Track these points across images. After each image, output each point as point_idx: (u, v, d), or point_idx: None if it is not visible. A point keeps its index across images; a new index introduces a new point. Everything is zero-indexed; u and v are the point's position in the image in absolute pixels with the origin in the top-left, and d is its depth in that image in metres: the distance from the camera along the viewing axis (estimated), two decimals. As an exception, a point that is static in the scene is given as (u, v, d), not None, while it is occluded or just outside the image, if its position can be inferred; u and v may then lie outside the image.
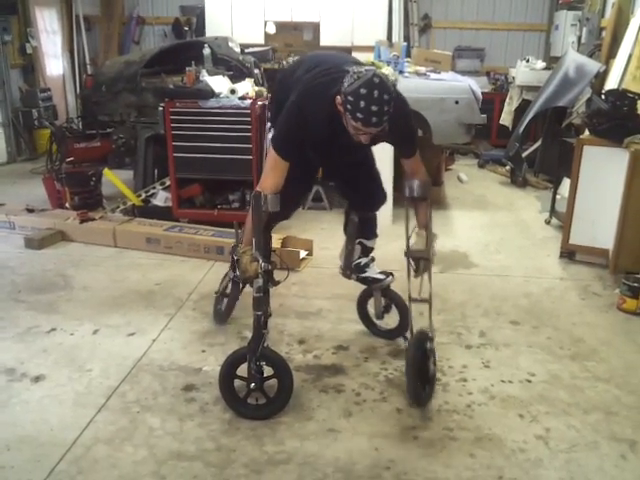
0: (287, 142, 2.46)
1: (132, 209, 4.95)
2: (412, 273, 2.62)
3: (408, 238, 2.61)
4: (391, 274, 3.01)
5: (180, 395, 2.64)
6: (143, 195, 5.03)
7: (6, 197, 5.59)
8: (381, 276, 3.02)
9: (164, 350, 3.02)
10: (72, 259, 4.25)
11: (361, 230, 3.02)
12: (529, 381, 2.79)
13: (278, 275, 2.60)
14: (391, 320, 3.13)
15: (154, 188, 5.08)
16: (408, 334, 2.68)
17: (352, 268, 3.05)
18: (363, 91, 2.16)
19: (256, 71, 6.10)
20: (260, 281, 2.43)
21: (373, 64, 6.00)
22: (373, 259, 3.08)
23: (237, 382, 2.51)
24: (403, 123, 2.47)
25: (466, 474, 2.19)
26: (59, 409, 2.54)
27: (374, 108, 2.17)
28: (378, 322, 3.15)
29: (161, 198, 5.02)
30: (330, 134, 2.44)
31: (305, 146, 2.50)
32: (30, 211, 4.90)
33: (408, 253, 2.61)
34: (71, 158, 5.60)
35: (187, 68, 5.03)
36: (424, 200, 2.61)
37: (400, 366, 2.86)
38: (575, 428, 2.46)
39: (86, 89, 7.74)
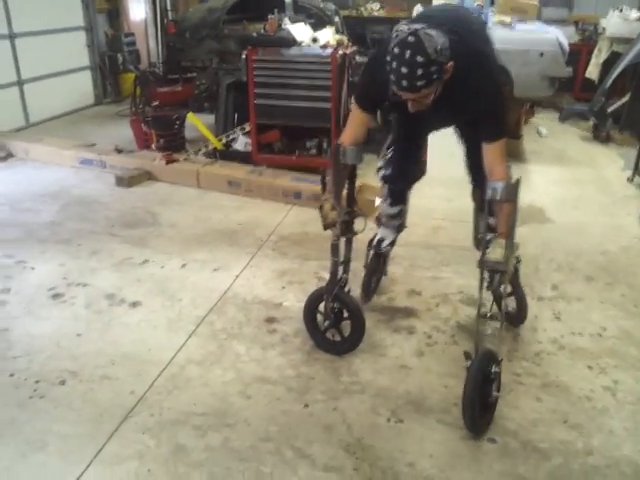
0: (360, 93, 2.47)
1: (214, 152, 5.15)
2: (484, 285, 2.35)
3: (485, 246, 2.33)
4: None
5: (263, 326, 2.85)
6: (224, 139, 5.22)
7: (95, 137, 5.92)
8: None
9: (247, 285, 3.23)
10: (159, 198, 4.52)
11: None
12: (600, 335, 2.82)
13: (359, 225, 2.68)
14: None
15: (234, 133, 5.26)
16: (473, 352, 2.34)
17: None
18: (396, 50, 1.99)
19: (336, 19, 6.10)
20: (337, 229, 2.52)
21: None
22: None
23: (320, 317, 2.68)
24: (482, 95, 2.18)
25: (532, 415, 2.29)
26: (155, 332, 2.81)
27: (404, 70, 1.98)
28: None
29: (241, 143, 5.20)
30: (397, 98, 2.20)
31: (385, 105, 2.44)
32: (119, 151, 5.19)
33: (482, 263, 2.30)
34: (156, 102, 5.82)
35: (269, 16, 5.10)
36: (508, 203, 2.27)
37: (471, 313, 2.95)
38: (644, 383, 2.50)
39: (168, 35, 7.94)
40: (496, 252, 2.29)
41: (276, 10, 5.19)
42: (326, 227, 2.54)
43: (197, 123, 5.19)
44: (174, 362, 2.59)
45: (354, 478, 2.02)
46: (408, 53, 1.96)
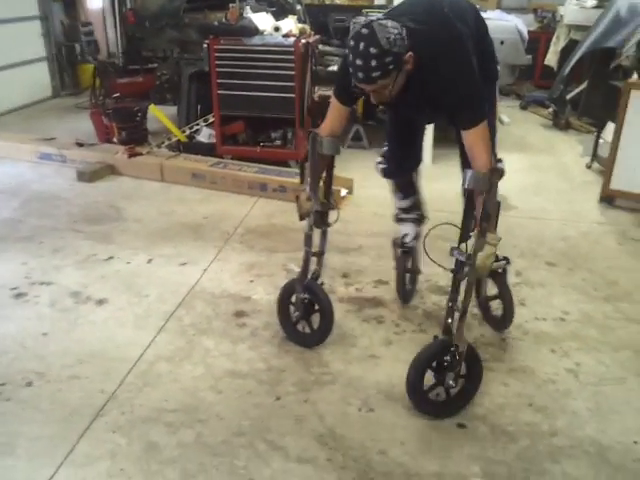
0: (337, 85, 2.47)
1: (177, 145, 5.08)
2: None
3: (463, 237, 2.20)
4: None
5: (232, 320, 2.84)
6: (187, 131, 5.15)
7: (54, 131, 5.79)
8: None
9: (215, 279, 3.21)
10: (122, 192, 4.44)
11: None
12: (562, 319, 2.91)
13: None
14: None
15: (198, 125, 5.19)
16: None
17: None
18: (352, 43, 2.03)
19: (298, 7, 6.04)
20: (311, 219, 2.55)
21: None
22: None
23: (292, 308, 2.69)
24: (455, 81, 2.14)
25: (499, 400, 2.36)
26: (122, 329, 2.78)
27: (359, 62, 2.01)
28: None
29: (205, 134, 5.14)
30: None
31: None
32: (80, 145, 5.08)
33: (452, 250, 2.21)
34: (117, 93, 5.70)
35: (230, 4, 5.03)
36: (480, 194, 2.15)
37: (437, 300, 3.01)
38: (604, 364, 2.59)
39: (127, 24, 7.77)
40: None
41: (237, 0, 5.13)
42: (301, 217, 2.57)
43: (159, 115, 5.11)
44: (143, 359, 2.56)
45: (327, 468, 2.04)
46: (362, 45, 1.99)
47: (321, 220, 2.60)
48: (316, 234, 2.61)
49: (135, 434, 2.17)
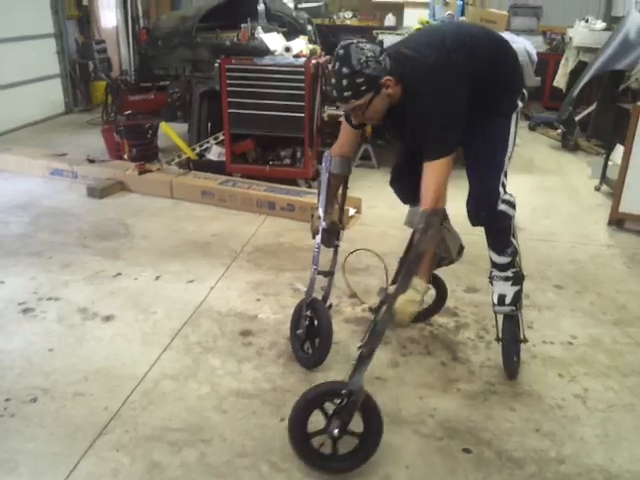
0: None
1: (187, 162, 5.12)
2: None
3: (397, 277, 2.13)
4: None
5: (238, 339, 2.84)
6: (197, 149, 5.20)
7: (66, 147, 5.85)
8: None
9: (221, 297, 3.22)
10: (132, 209, 4.48)
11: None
12: (570, 343, 2.88)
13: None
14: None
15: (208, 142, 5.24)
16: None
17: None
18: (331, 64, 2.17)
19: (309, 27, 6.12)
20: (317, 238, 2.57)
21: (427, 23, 5.96)
22: (509, 278, 2.50)
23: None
24: (425, 108, 2.14)
25: (505, 425, 2.33)
26: (129, 346, 2.78)
27: (334, 81, 2.11)
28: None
29: (215, 152, 5.19)
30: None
31: None
32: (91, 161, 5.13)
33: (380, 290, 2.08)
34: (129, 111, 5.77)
35: (242, 25, 5.10)
36: (424, 233, 1.97)
37: (444, 323, 2.99)
38: (613, 390, 2.55)
39: (140, 42, 7.89)
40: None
41: (249, 19, 5.20)
42: (314, 235, 2.62)
43: (170, 133, 5.16)
44: (148, 377, 2.56)
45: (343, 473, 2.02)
46: (337, 65, 2.07)
47: (329, 239, 2.61)
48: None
49: (138, 453, 2.16)
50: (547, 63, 7.83)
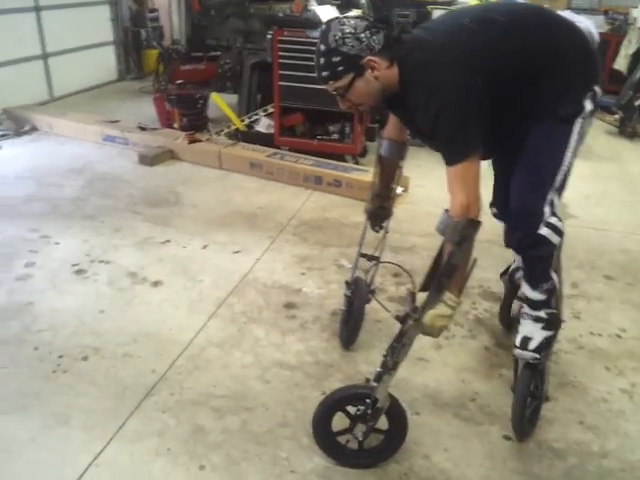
0: None
1: (235, 133, 5.15)
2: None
3: (425, 285, 1.88)
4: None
5: (282, 311, 2.88)
6: (247, 121, 5.22)
7: (118, 114, 5.95)
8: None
9: (267, 269, 3.25)
10: (181, 177, 4.54)
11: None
12: (619, 336, 2.82)
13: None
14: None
15: (257, 114, 5.25)
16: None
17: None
18: None
19: (362, 1, 6.02)
20: (365, 220, 2.52)
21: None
22: (540, 319, 2.08)
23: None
24: (424, 105, 1.82)
25: (548, 414, 2.30)
26: (176, 312, 2.85)
27: (314, 60, 1.89)
28: None
29: (263, 124, 5.20)
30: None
31: None
32: (142, 129, 5.21)
33: (408, 295, 1.97)
34: (180, 80, 5.82)
35: (296, -4, 5.06)
36: (449, 243, 1.82)
37: (489, 307, 2.96)
38: (662, 386, 2.49)
39: (193, 12, 7.92)
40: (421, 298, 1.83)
41: (304, -9, 5.15)
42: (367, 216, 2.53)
43: (221, 103, 5.18)
44: (194, 343, 2.62)
45: (369, 469, 2.04)
46: (318, 42, 1.87)
47: (374, 223, 2.53)
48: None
49: (183, 416, 2.22)
50: (608, 44, 7.50)
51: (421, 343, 2.65)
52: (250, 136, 5.12)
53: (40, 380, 2.38)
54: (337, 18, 1.87)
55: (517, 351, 2.10)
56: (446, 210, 1.84)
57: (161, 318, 2.79)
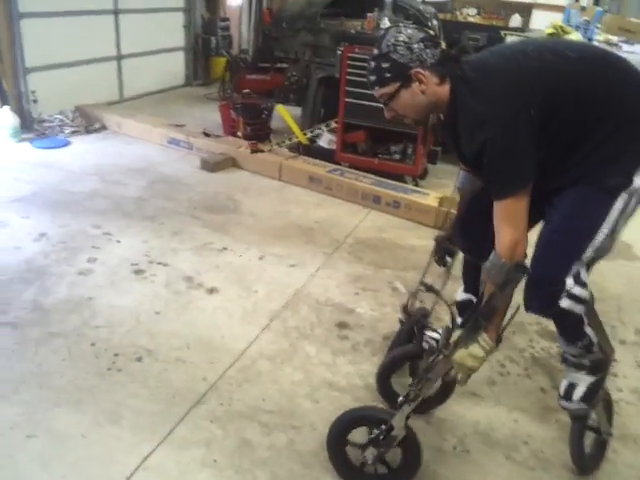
0: None
1: (297, 146, 5.18)
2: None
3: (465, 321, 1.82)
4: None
5: (334, 330, 2.85)
6: (309, 134, 5.24)
7: (182, 118, 6.08)
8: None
9: (321, 286, 3.24)
10: (241, 185, 4.59)
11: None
12: (686, 390, 2.68)
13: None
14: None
15: (320, 129, 5.27)
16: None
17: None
18: None
19: (434, 22, 5.99)
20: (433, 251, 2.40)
21: (560, 28, 5.68)
22: (583, 367, 1.94)
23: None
24: (469, 132, 1.75)
25: (606, 466, 2.20)
26: (229, 321, 2.86)
27: (367, 63, 1.87)
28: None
29: (325, 139, 5.22)
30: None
31: None
32: (206, 135, 5.30)
33: (443, 330, 1.91)
34: (247, 89, 5.90)
35: (368, 14, 5.08)
36: (492, 285, 1.75)
37: (546, 346, 2.87)
38: None
39: (263, 23, 8.04)
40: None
41: (376, 9, 5.16)
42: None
43: (285, 115, 5.23)
44: (246, 354, 2.62)
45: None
46: (375, 47, 1.85)
47: (439, 256, 2.37)
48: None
49: (231, 428, 2.22)
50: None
51: (475, 378, 2.59)
52: (311, 150, 5.15)
53: (95, 376, 2.42)
54: (397, 25, 1.85)
55: (562, 402, 1.99)
56: (494, 251, 1.74)
57: (214, 325, 2.81)
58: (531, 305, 1.85)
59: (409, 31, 1.79)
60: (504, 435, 2.31)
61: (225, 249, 3.54)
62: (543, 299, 1.80)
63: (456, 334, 1.78)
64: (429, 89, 1.79)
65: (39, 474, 1.97)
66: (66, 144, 5.21)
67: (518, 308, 1.79)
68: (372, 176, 4.62)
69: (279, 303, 3.03)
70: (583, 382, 1.93)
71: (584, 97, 1.74)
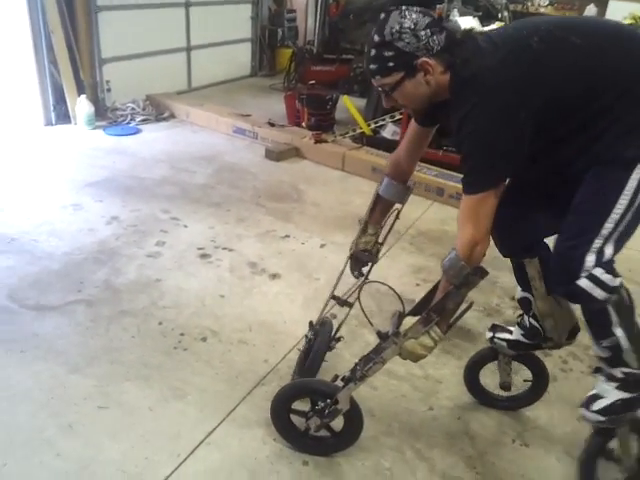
0: None
1: (360, 137, 5.20)
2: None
3: (415, 310, 1.86)
4: None
5: (394, 320, 2.86)
6: (373, 125, 5.24)
7: (247, 108, 6.19)
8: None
9: (381, 276, 3.19)
10: (304, 175, 4.65)
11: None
12: None
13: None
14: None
15: (384, 120, 5.25)
16: None
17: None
18: None
19: (505, 14, 5.85)
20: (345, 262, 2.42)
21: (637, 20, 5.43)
22: (615, 379, 1.77)
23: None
24: (458, 122, 1.63)
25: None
26: (291, 306, 2.92)
27: (365, 49, 1.73)
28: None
29: (389, 131, 5.20)
30: None
31: None
32: (271, 125, 5.39)
33: (395, 316, 1.93)
34: (312, 80, 5.95)
35: (437, 5, 5.01)
36: (448, 284, 1.72)
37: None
38: None
39: (330, 15, 8.07)
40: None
41: (445, 0, 5.09)
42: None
43: (350, 106, 5.25)
44: (306, 339, 2.67)
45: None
46: (373, 31, 1.68)
47: (354, 268, 2.37)
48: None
49: (291, 409, 2.27)
50: None
51: (538, 373, 2.55)
52: (375, 141, 5.14)
53: (162, 354, 2.53)
54: (399, 8, 1.64)
55: (581, 411, 1.82)
56: (454, 248, 1.68)
57: (277, 310, 2.87)
58: (551, 283, 1.83)
59: (414, 15, 1.62)
60: (564, 432, 2.27)
61: (288, 236, 3.60)
62: (558, 275, 1.71)
63: (408, 322, 1.80)
64: (434, 79, 1.67)
65: (108, 443, 2.07)
66: (137, 132, 5.42)
67: (471, 304, 1.84)
68: (435, 168, 4.57)
69: (339, 291, 3.04)
70: (611, 396, 1.75)
71: (592, 90, 1.61)
